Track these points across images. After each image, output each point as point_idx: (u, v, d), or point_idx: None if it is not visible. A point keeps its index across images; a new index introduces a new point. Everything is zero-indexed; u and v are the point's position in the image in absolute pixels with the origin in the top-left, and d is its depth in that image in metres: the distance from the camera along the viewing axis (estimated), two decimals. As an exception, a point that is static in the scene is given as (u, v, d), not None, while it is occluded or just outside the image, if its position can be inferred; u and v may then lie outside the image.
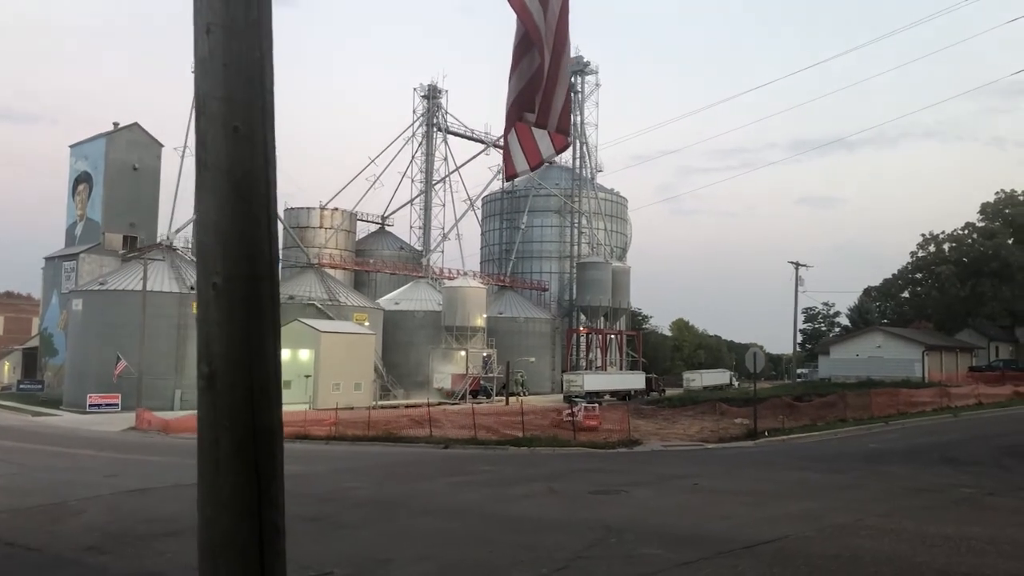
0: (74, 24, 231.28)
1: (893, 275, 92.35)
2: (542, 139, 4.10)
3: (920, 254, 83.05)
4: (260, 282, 2.77)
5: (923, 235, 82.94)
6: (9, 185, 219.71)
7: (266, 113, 2.86)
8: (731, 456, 21.95)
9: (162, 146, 69.66)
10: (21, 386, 65.53)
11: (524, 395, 66.03)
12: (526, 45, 3.93)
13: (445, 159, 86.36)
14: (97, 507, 14.58)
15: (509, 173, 4.11)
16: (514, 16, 3.66)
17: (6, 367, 76.41)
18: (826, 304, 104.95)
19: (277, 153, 2.98)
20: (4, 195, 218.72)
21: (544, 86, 3.97)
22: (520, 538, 10.05)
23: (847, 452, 21.74)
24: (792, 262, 64.80)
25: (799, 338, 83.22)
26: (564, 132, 3.98)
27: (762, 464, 19.20)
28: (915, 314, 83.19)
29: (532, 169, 4.03)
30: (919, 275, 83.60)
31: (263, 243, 2.78)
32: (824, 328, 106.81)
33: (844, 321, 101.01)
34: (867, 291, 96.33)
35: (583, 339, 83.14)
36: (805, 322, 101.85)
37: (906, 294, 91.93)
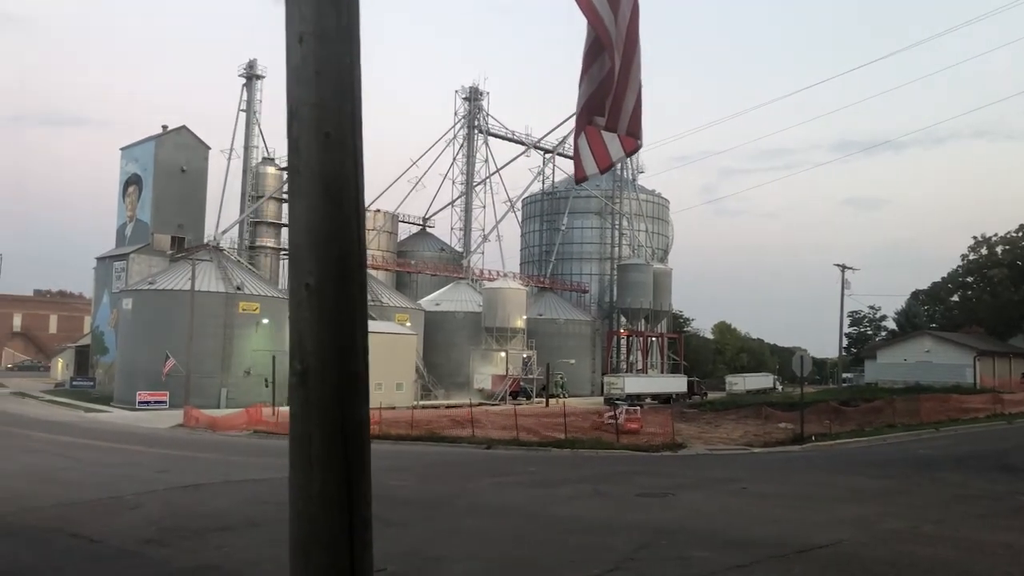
0: (120, 27, 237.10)
1: (942, 278, 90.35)
2: (612, 142, 4.14)
3: (972, 257, 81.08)
4: (350, 282, 2.87)
5: (975, 237, 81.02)
6: (62, 188, 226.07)
7: (355, 118, 2.96)
8: (777, 460, 21.70)
9: (209, 148, 71.19)
10: (74, 383, 67.36)
11: (564, 397, 65.91)
12: (597, 49, 3.97)
13: (486, 161, 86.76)
14: (152, 502, 14.94)
15: (579, 176, 4.16)
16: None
17: (60, 364, 78.62)
18: (872, 308, 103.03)
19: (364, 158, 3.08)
20: (58, 197, 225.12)
21: (614, 89, 4.01)
22: (568, 539, 10.08)
23: (897, 458, 21.34)
24: (838, 264, 63.82)
25: (844, 342, 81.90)
26: (635, 135, 4.02)
27: (810, 469, 18.95)
28: (965, 318, 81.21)
29: (602, 172, 4.08)
30: (970, 278, 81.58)
31: (353, 245, 2.88)
32: (870, 332, 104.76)
33: (890, 325, 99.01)
34: (915, 294, 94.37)
35: (623, 341, 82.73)
36: (850, 326, 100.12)
37: (956, 298, 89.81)
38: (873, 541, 9.53)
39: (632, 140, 4.06)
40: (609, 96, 4.01)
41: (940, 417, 34.61)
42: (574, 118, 4.11)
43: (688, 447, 25.86)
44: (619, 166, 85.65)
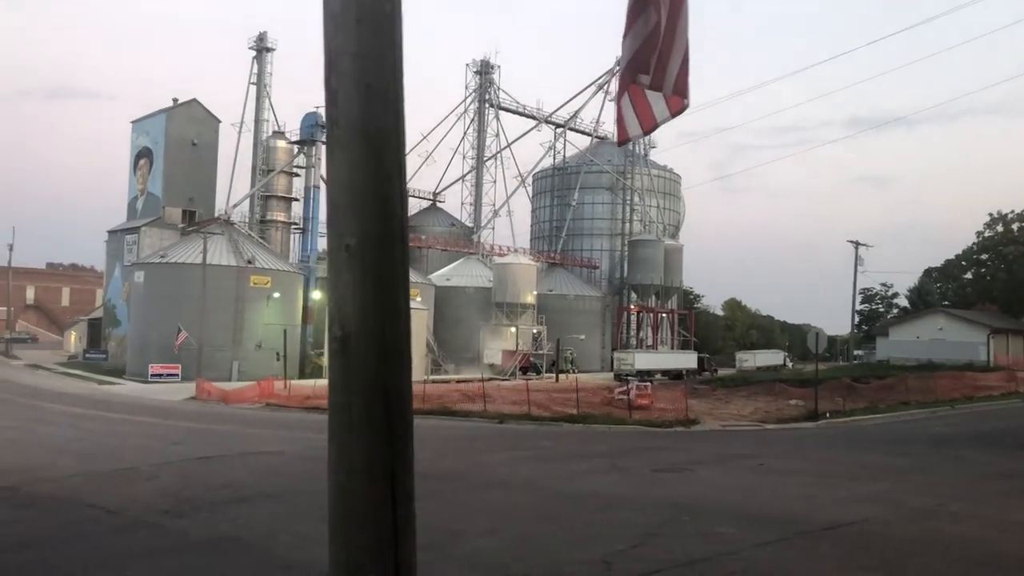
0: (126, 2, 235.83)
1: (955, 256, 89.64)
2: (656, 102, 3.94)
3: (987, 234, 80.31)
4: (392, 242, 2.70)
5: (990, 215, 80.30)
6: (73, 161, 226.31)
7: (396, 69, 2.79)
8: (793, 437, 21.59)
9: (219, 122, 70.87)
10: (87, 355, 67.80)
11: (573, 373, 65.94)
12: (641, 4, 3.77)
13: (497, 135, 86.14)
14: (168, 473, 14.96)
15: (621, 137, 3.97)
16: None
17: (72, 337, 79.12)
18: (884, 285, 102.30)
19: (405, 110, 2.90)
20: (69, 171, 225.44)
21: (660, 46, 3.81)
22: (587, 514, 10.00)
23: (914, 435, 21.20)
24: (852, 241, 63.32)
25: (855, 319, 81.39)
26: (681, 94, 3.81)
27: (826, 446, 18.83)
28: (978, 296, 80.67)
29: (645, 133, 3.89)
30: (984, 256, 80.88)
31: (395, 202, 2.71)
32: (881, 309, 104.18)
33: (902, 303, 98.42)
34: (927, 272, 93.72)
35: (634, 317, 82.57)
36: (862, 303, 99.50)
37: (969, 275, 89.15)
38: (899, 519, 9.41)
39: (679, 99, 3.86)
40: (655, 53, 3.81)
41: (955, 395, 34.40)
42: (616, 76, 3.91)
43: (701, 423, 25.77)
44: (631, 141, 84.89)
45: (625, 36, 3.82)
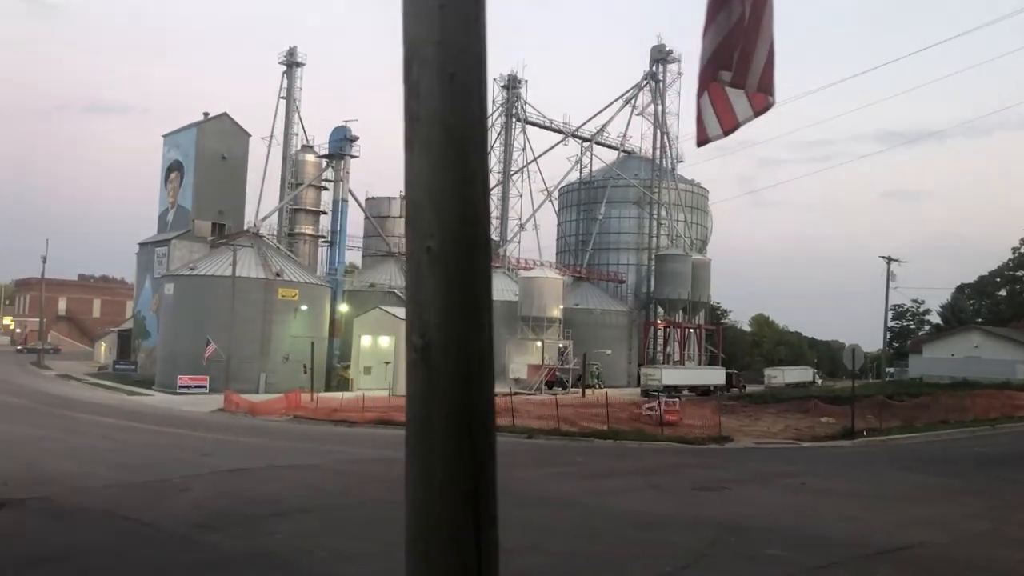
0: (160, 16, 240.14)
1: (989, 272, 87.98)
2: (738, 100, 3.73)
3: (1023, 250, 78.69)
4: (476, 245, 2.51)
5: (1025, 230, 78.48)
6: (105, 175, 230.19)
7: (481, 58, 2.60)
8: (830, 456, 21.09)
9: (249, 136, 71.60)
10: (116, 366, 68.44)
11: (599, 387, 65.45)
12: (723, -2, 3.57)
13: (524, 149, 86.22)
14: (200, 485, 14.88)
15: (700, 138, 3.75)
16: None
17: (103, 348, 80.00)
18: (916, 301, 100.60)
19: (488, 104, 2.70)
20: (101, 184, 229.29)
21: (743, 41, 3.60)
22: (631, 533, 9.72)
23: (956, 456, 20.62)
24: (884, 257, 62.26)
25: (884, 336, 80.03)
26: (767, 91, 3.59)
27: (867, 465, 18.35)
28: (1013, 313, 79.00)
29: (726, 134, 3.67)
30: (1020, 272, 79.25)
31: (479, 202, 2.52)
32: (913, 326, 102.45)
33: (934, 319, 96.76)
34: (960, 288, 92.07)
35: (660, 332, 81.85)
36: (893, 319, 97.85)
37: (1003, 292, 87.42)
38: (957, 544, 9.04)
39: (763, 97, 3.64)
40: (737, 48, 3.60)
41: (994, 414, 33.53)
42: (697, 74, 3.70)
43: (734, 440, 25.30)
44: (658, 155, 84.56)
45: (705, 32, 3.62)
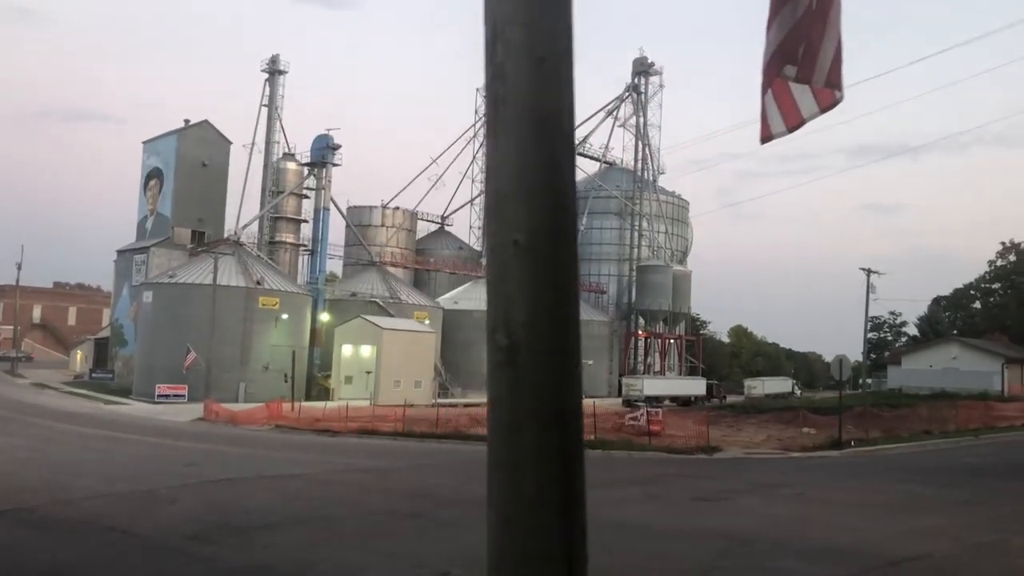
0: (139, 23, 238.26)
1: (965, 285, 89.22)
2: (803, 96, 3.60)
3: (999, 263, 79.88)
4: (565, 238, 2.35)
5: (1003, 243, 79.96)
6: (83, 182, 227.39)
7: (569, 42, 2.45)
8: (821, 466, 21.09)
9: (231, 143, 70.97)
10: (93, 375, 67.35)
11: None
12: (789, -10, 3.45)
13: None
14: (188, 496, 14.54)
15: (764, 135, 3.62)
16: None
17: (79, 356, 78.70)
18: (893, 313, 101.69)
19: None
20: (78, 191, 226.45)
21: (809, 35, 3.48)
22: (637, 545, 9.55)
23: (946, 466, 20.71)
24: (864, 269, 62.81)
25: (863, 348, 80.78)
26: (834, 86, 3.47)
27: (860, 475, 18.35)
28: (988, 325, 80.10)
29: (790, 131, 3.54)
30: (997, 285, 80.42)
31: (568, 193, 2.37)
32: (890, 338, 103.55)
33: (911, 331, 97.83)
34: (936, 300, 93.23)
35: (641, 343, 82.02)
36: (870, 331, 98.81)
37: (977, 305, 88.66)
38: (967, 554, 8.98)
39: (830, 93, 3.52)
40: (803, 42, 3.48)
41: (975, 424, 33.84)
42: (761, 70, 3.57)
43: (723, 450, 25.25)
44: (640, 167, 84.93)
45: (769, 27, 3.51)
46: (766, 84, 3.58)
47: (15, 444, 24.90)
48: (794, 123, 3.60)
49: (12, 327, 79.21)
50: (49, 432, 30.01)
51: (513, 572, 2.30)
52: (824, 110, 3.55)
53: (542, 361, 2.26)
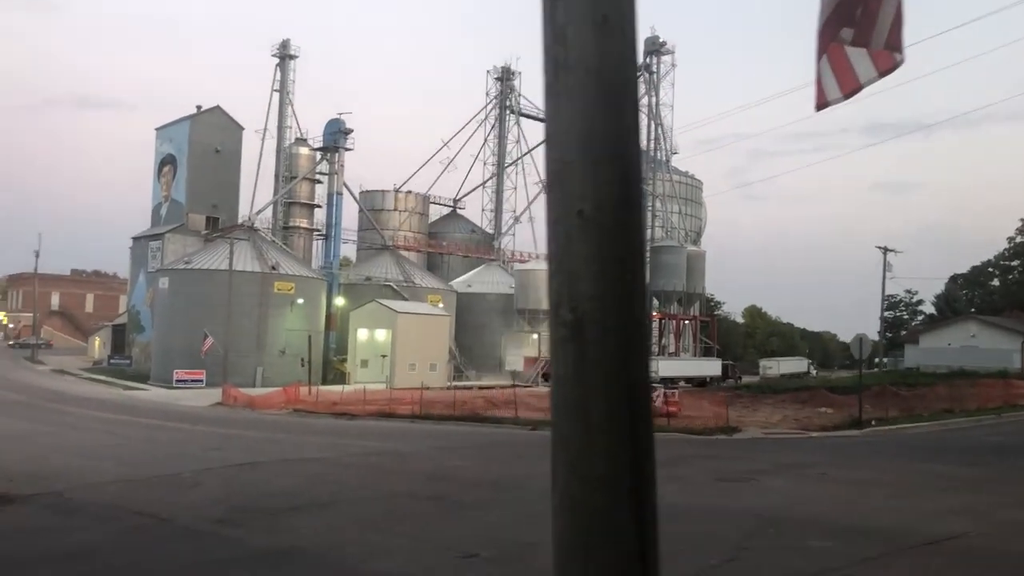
0: (148, 12, 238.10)
1: (983, 262, 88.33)
2: (859, 60, 3.46)
3: (1019, 240, 78.95)
4: (632, 208, 2.24)
5: (1022, 219, 78.82)
6: (97, 169, 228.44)
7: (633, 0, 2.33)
8: (842, 445, 20.95)
9: (243, 129, 70.90)
10: (111, 361, 67.91)
11: (597, 379, 65.30)
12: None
13: (518, 141, 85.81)
14: (212, 480, 14.60)
15: (819, 102, 3.50)
16: None
17: (97, 343, 79.35)
18: (909, 291, 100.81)
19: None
20: (93, 178, 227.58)
21: (868, -4, 3.34)
22: (665, 525, 9.42)
23: (970, 445, 20.53)
24: (880, 247, 62.25)
25: (880, 326, 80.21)
26: (893, 48, 3.33)
27: (882, 454, 18.22)
28: (1007, 303, 79.27)
29: (846, 97, 3.41)
30: (1016, 262, 79.52)
31: (633, 160, 2.25)
32: (906, 316, 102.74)
33: (928, 309, 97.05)
34: (953, 278, 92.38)
35: (656, 324, 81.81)
36: (886, 310, 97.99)
37: (996, 282, 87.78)
38: (1001, 533, 8.87)
39: (889, 55, 3.38)
40: (861, 3, 3.33)
41: (996, 403, 33.56)
42: (816, 36, 3.43)
43: (742, 431, 25.15)
44: (652, 147, 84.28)
45: (825, -13, 3.37)
46: (821, 49, 3.45)
47: (38, 430, 25.15)
48: (851, 88, 3.47)
49: (31, 314, 79.93)
50: (70, 418, 30.29)
51: (582, 556, 2.22)
52: (883, 74, 3.42)
53: (609, 335, 2.16)
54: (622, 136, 2.23)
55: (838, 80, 3.45)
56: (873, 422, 25.58)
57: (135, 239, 72.27)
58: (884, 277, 62.45)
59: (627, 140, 2.25)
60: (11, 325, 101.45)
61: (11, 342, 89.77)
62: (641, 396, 2.26)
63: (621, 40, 2.26)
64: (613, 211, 2.22)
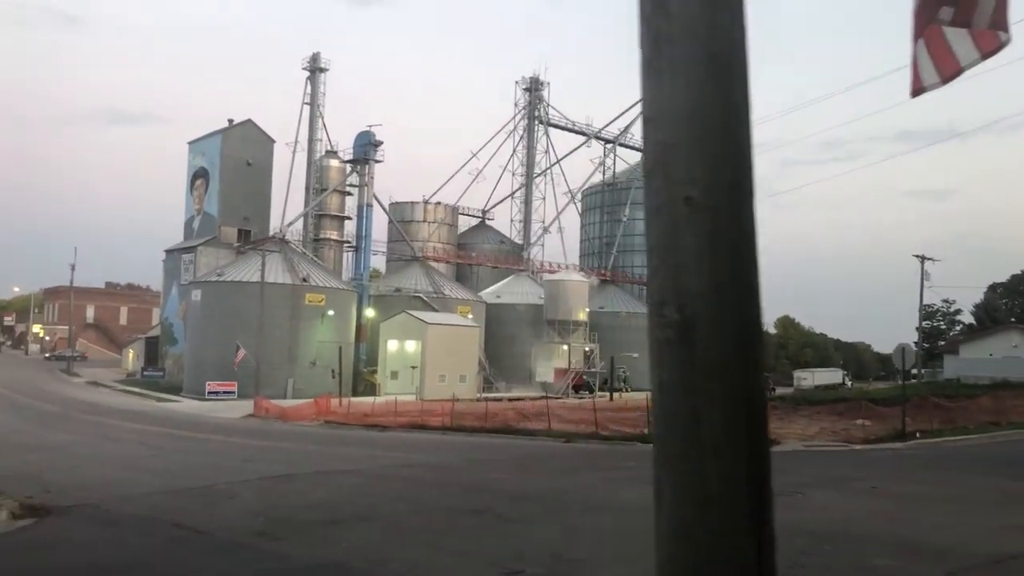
0: (180, 27, 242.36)
1: (1023, 271, 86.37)
2: (959, 41, 3.19)
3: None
4: (745, 193, 2.00)
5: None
6: (129, 182, 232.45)
7: (739, -34, 2.10)
8: (887, 458, 20.36)
9: (274, 142, 71.58)
10: (144, 373, 68.66)
11: (627, 391, 64.85)
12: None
13: (546, 152, 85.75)
14: (248, 491, 14.49)
15: (915, 88, 3.23)
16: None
17: (130, 355, 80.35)
18: (946, 301, 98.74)
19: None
20: (125, 192, 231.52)
21: (970, -30, 3.07)
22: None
23: (1021, 457, 19.83)
24: (917, 255, 61.03)
25: (916, 337, 78.61)
26: (999, 27, 3.05)
27: (932, 467, 17.64)
28: (1050, 312, 77.41)
29: (944, 81, 3.14)
30: (1057, 270, 77.60)
31: (746, 141, 2.02)
32: (943, 326, 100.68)
33: (966, 319, 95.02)
34: (992, 287, 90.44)
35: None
36: (922, 320, 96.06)
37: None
38: (1073, 551, 8.43)
39: (993, 35, 3.10)
40: (961, -20, 3.07)
41: (1043, 415, 32.50)
42: (912, 18, 3.16)
43: (781, 443, 24.59)
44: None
45: (925, -36, 3.10)
46: (918, 31, 3.18)
47: (75, 440, 25.34)
48: (950, 72, 3.20)
49: (67, 327, 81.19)
50: (106, 429, 30.53)
51: (695, 583, 1.98)
52: (986, 55, 3.14)
53: (727, 336, 1.92)
54: (733, 113, 2.00)
55: (936, 64, 3.18)
56: (917, 434, 24.89)
57: (168, 252, 73.18)
58: (922, 286, 61.28)
59: (738, 118, 2.02)
60: (47, 338, 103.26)
61: (47, 354, 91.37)
62: (759, 407, 2.01)
63: (727, 9, 2.04)
64: (726, 196, 1.99)
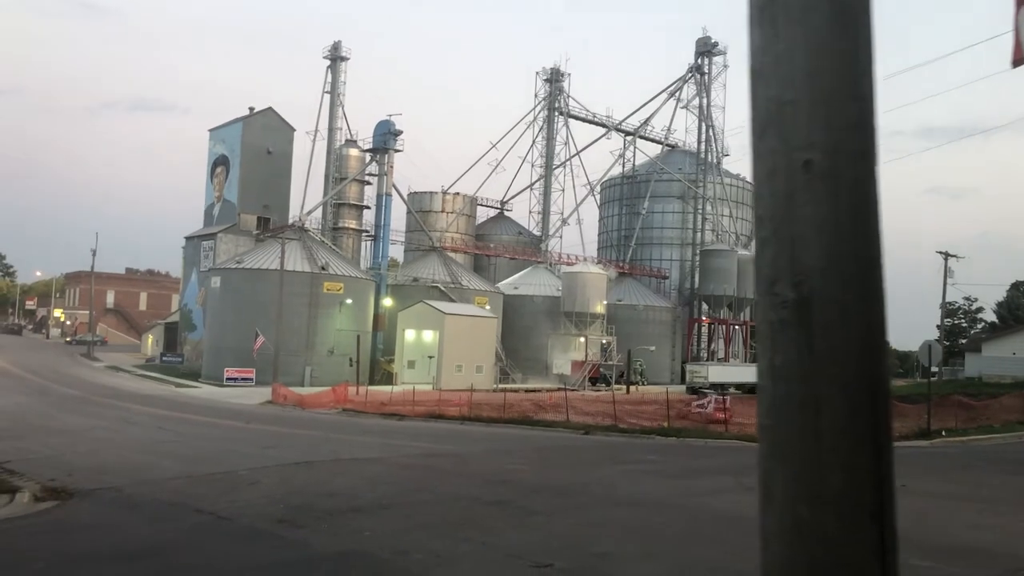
0: (202, 16, 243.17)
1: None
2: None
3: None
4: (868, 160, 1.80)
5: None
6: (150, 169, 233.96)
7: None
8: (912, 456, 19.98)
9: (294, 130, 71.67)
10: (163, 358, 69.12)
11: (643, 384, 64.58)
12: None
13: (566, 143, 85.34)
14: (269, 478, 14.43)
15: (1016, 57, 3.01)
16: None
17: (149, 340, 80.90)
18: (968, 299, 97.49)
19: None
20: (146, 179, 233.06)
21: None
22: (749, 539, 8.95)
23: (1052, 458, 19.48)
24: (941, 252, 60.09)
25: (937, 335, 77.62)
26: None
27: (960, 467, 17.33)
28: (1073, 312, 76.23)
29: (1049, 51, 2.89)
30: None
31: (870, 101, 1.82)
32: (965, 324, 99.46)
33: (989, 317, 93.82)
34: (1016, 285, 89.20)
35: (705, 329, 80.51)
36: (943, 318, 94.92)
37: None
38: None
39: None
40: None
41: (1071, 415, 31.96)
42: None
43: (804, 439, 24.27)
44: (703, 149, 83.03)
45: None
46: (1021, 2, 2.96)
47: (95, 425, 25.46)
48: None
49: (87, 311, 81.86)
50: (126, 414, 30.67)
51: (812, 588, 1.79)
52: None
53: (851, 317, 1.72)
54: (857, 69, 1.80)
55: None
56: (943, 433, 24.51)
57: (188, 239, 73.53)
58: (945, 284, 60.28)
59: (862, 75, 1.81)
60: (68, 322, 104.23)
61: (68, 338, 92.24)
62: (883, 396, 1.81)
63: (854, -43, 1.84)
64: (849, 161, 1.79)
